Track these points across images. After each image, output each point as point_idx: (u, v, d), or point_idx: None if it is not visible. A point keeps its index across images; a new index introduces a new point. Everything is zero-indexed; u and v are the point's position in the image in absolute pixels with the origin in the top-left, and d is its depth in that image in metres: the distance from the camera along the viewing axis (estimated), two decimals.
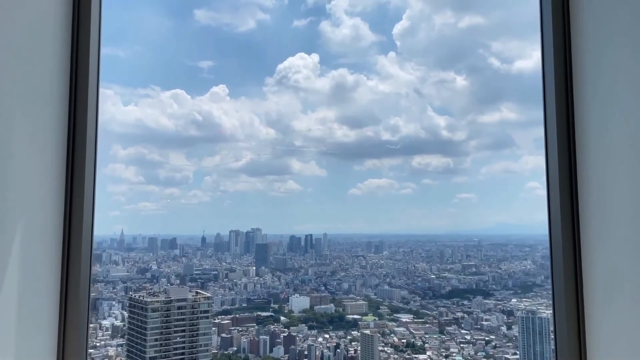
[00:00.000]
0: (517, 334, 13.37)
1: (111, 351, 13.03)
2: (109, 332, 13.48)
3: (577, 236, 1.97)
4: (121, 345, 13.07)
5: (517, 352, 13.09)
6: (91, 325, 13.49)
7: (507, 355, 13.23)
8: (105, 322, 13.61)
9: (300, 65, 24.90)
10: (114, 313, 13.90)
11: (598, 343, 1.89)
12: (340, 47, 26.99)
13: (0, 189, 1.67)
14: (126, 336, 12.83)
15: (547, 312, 13.23)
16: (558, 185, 1.99)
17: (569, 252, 1.97)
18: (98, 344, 13.02)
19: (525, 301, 14.66)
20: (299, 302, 15.16)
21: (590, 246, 1.94)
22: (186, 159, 24.97)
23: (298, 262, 17.04)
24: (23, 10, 1.79)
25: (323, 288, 16.10)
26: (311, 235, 17.62)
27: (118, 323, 13.58)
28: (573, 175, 2.00)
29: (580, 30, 2.05)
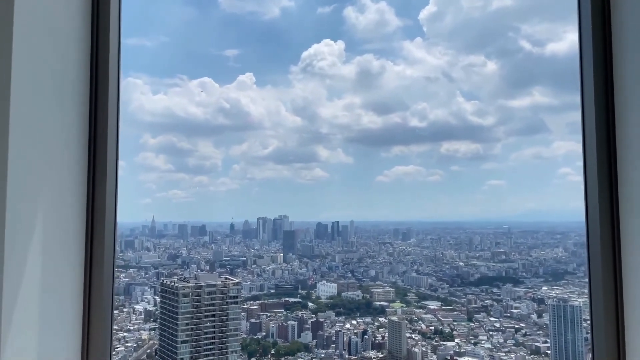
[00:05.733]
0: (547, 322, 13.15)
1: (144, 335, 13.42)
2: (142, 317, 13.88)
3: (616, 226, 1.91)
4: (154, 329, 13.44)
5: (548, 340, 12.90)
6: (125, 309, 13.92)
7: (537, 344, 13.05)
8: (139, 307, 14.00)
9: (326, 52, 24.78)
10: (146, 298, 14.29)
11: (638, 338, 1.84)
12: (366, 33, 26.73)
13: (23, 180, 1.67)
14: (158, 320, 13.18)
15: (579, 300, 12.96)
16: (596, 172, 1.92)
17: (608, 243, 1.91)
18: (132, 328, 13.43)
19: (557, 289, 14.39)
20: (326, 289, 15.26)
21: (630, 236, 1.88)
22: (214, 147, 25.30)
23: (325, 249, 17.12)
24: (43, 2, 1.81)
25: (350, 275, 16.15)
26: (338, 222, 17.67)
27: (151, 307, 13.96)
28: (612, 162, 1.93)
29: (621, 7, 1.96)
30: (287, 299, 14.92)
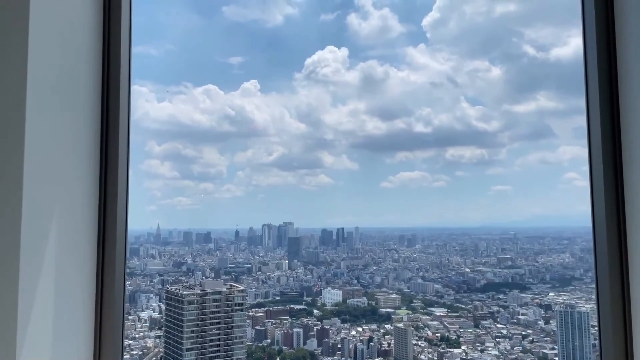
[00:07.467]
0: (555, 329, 13.03)
1: (149, 343, 13.41)
2: (147, 324, 13.86)
3: (622, 230, 1.90)
4: (159, 337, 13.42)
5: (556, 347, 12.77)
6: (130, 317, 13.91)
7: (544, 350, 12.93)
8: (144, 315, 13.99)
9: (329, 58, 24.82)
10: (151, 305, 14.28)
11: None
12: (369, 40, 26.74)
13: (37, 188, 1.69)
14: (163, 328, 13.16)
15: (586, 306, 12.83)
16: (602, 176, 1.92)
17: (614, 247, 1.90)
18: (137, 336, 13.41)
19: (564, 295, 14.26)
20: (331, 296, 15.19)
21: (637, 240, 1.86)
22: (219, 154, 25.34)
23: (330, 256, 17.07)
24: (55, 11, 1.83)
25: (355, 281, 16.08)
26: (343, 228, 17.62)
27: (156, 315, 13.94)
28: (618, 166, 1.92)
29: (624, 12, 1.96)
30: (292, 306, 14.87)
